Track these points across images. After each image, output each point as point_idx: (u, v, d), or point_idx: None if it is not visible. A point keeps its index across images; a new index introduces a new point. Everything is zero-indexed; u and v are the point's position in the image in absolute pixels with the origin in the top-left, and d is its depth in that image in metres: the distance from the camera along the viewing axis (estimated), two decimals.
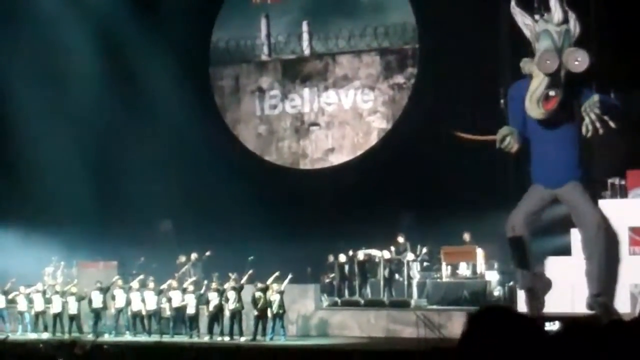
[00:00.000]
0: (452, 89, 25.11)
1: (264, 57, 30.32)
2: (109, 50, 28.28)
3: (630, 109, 18.49)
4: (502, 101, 18.84)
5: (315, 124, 29.58)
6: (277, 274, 22.07)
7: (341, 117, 29.24)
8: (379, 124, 28.71)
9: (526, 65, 16.92)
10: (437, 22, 26.35)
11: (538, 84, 16.59)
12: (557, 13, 16.53)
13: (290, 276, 22.17)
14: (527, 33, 17.07)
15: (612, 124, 16.61)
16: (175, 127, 27.86)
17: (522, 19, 17.08)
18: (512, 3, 17.22)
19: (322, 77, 29.50)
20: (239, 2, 29.81)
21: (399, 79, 28.47)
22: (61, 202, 26.48)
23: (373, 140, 28.69)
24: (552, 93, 16.54)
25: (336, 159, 29.14)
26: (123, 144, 28.16)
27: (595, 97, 16.69)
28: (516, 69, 17.81)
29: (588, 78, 16.67)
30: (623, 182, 19.39)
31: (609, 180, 19.35)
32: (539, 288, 17.38)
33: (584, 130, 16.74)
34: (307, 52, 29.71)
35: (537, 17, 17.16)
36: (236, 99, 30.69)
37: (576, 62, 16.35)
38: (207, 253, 25.07)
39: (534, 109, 16.63)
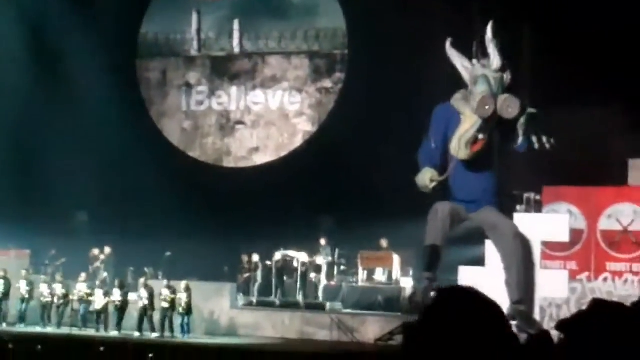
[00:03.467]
0: (379, 97, 25.30)
1: (193, 52, 30.12)
2: (34, 37, 27.73)
3: (552, 128, 18.90)
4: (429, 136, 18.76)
5: (240, 122, 29.48)
6: (185, 282, 21.95)
7: (267, 117, 29.20)
8: (304, 127, 28.76)
9: (457, 102, 17.23)
10: (367, 30, 26.54)
11: (470, 126, 16.97)
12: (496, 60, 16.97)
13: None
14: (465, 75, 17.38)
15: (536, 145, 17.05)
16: (98, 117, 27.36)
17: (460, 60, 17.43)
18: (447, 45, 17.51)
19: (251, 76, 29.43)
20: None
21: (327, 83, 28.58)
22: None
23: (298, 142, 28.72)
24: (480, 136, 16.99)
25: (260, 159, 29.09)
26: (43, 132, 27.59)
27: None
28: (444, 82, 18.06)
29: (514, 124, 17.12)
30: (538, 198, 19.73)
31: (525, 195, 19.66)
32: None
33: (517, 142, 17.02)
34: (237, 50, 29.60)
35: (474, 61, 17.52)
36: (162, 92, 30.39)
37: (509, 109, 16.81)
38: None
39: (462, 151, 17.02)
